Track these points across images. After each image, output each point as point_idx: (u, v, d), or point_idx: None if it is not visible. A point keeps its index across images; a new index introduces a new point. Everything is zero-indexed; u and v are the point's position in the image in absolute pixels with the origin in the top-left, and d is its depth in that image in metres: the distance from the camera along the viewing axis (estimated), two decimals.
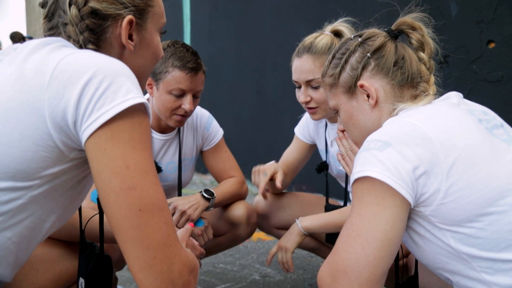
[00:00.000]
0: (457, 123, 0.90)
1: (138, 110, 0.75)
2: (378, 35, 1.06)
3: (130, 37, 0.88)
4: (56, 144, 0.75)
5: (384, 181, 0.83)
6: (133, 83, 0.76)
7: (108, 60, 0.77)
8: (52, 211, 0.81)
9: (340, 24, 1.64)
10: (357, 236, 0.84)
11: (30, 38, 6.30)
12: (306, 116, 1.85)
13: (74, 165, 0.79)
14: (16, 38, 5.89)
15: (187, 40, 5.01)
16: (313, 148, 1.89)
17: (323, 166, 1.79)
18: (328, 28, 1.65)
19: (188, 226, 1.10)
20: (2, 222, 0.76)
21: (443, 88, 1.08)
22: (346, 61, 1.05)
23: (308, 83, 1.59)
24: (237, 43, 4.37)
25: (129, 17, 0.86)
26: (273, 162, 1.76)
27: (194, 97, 1.63)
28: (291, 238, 1.56)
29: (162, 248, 0.74)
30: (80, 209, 1.04)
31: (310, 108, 1.62)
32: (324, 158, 1.81)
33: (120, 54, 0.89)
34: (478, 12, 2.47)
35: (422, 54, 1.04)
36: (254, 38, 4.14)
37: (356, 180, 0.88)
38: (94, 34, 0.84)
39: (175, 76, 1.56)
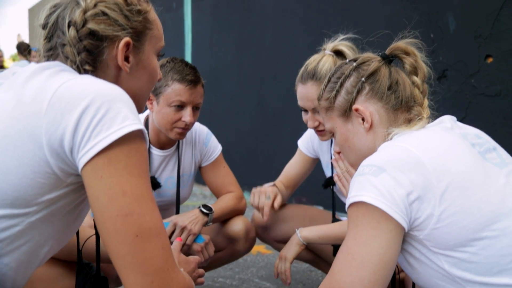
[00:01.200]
0: (450, 148, 0.91)
1: (135, 136, 0.75)
2: (372, 59, 1.08)
3: (126, 59, 0.89)
4: (53, 170, 0.76)
5: (378, 207, 0.85)
6: (130, 109, 0.77)
7: (105, 87, 0.78)
8: (50, 236, 0.82)
9: (341, 43, 1.64)
10: (352, 260, 0.86)
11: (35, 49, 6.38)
12: (311, 131, 1.86)
13: (71, 190, 0.80)
14: (22, 48, 5.96)
15: (188, 51, 5.05)
16: (315, 162, 1.89)
17: (330, 182, 1.79)
18: (330, 47, 1.63)
19: (176, 241, 1.10)
20: (0, 249, 0.76)
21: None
22: (341, 85, 1.07)
23: (315, 109, 1.60)
24: (237, 54, 4.40)
25: (126, 39, 0.86)
26: (272, 184, 1.75)
27: (195, 109, 1.65)
28: (290, 248, 1.57)
29: (159, 273, 0.75)
30: (77, 231, 1.04)
31: (319, 131, 1.63)
32: (327, 173, 1.81)
33: (117, 75, 0.89)
34: (476, 27, 2.49)
35: (415, 78, 1.06)
36: (254, 49, 4.17)
37: (351, 205, 0.89)
38: (91, 55, 0.85)
39: (174, 89, 1.59)
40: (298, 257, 1.84)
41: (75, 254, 1.09)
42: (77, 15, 0.84)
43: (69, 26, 0.84)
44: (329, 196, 1.87)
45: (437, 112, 1.09)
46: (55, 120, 0.74)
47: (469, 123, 1.15)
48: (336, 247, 1.70)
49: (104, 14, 0.85)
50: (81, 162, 0.74)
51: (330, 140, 1.78)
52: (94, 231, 1.13)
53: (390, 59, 1.09)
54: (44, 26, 0.89)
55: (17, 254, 0.78)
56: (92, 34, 0.84)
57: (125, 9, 0.87)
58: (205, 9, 4.78)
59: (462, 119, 2.55)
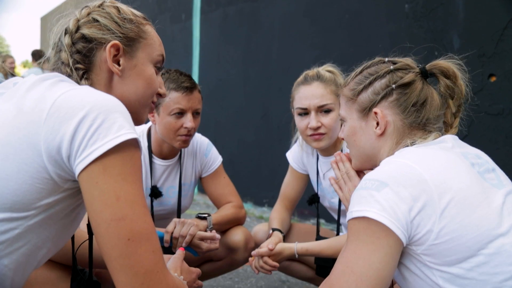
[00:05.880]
0: (450, 166, 0.92)
1: (129, 144, 0.79)
2: (411, 69, 1.05)
3: (118, 63, 0.94)
4: (51, 176, 0.79)
5: (380, 221, 0.86)
6: (125, 119, 0.81)
7: (102, 97, 0.82)
8: (47, 239, 0.85)
9: (329, 65, 1.73)
10: (351, 273, 0.87)
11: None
12: (299, 146, 1.87)
13: (68, 195, 0.83)
14: (37, 56, 6.12)
15: (196, 63, 5.11)
16: (308, 176, 1.92)
17: (315, 199, 1.83)
18: (320, 68, 1.72)
19: (179, 251, 1.12)
20: (0, 251, 0.79)
21: None
22: (370, 83, 1.05)
23: (320, 108, 1.63)
24: (244, 67, 4.45)
25: (114, 42, 0.92)
26: (271, 233, 1.71)
27: (195, 115, 1.69)
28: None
29: (149, 275, 0.78)
30: (72, 237, 1.07)
31: (317, 134, 1.64)
32: (316, 190, 1.84)
33: (110, 79, 0.94)
34: (480, 46, 2.52)
35: (449, 101, 1.04)
36: (261, 63, 4.21)
37: (353, 218, 0.90)
38: (82, 55, 0.92)
39: (172, 98, 1.63)
40: (297, 275, 1.87)
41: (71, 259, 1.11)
42: (72, 24, 0.94)
43: (65, 35, 0.93)
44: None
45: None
46: (54, 129, 0.78)
47: (471, 141, 1.15)
48: (319, 268, 1.72)
49: (96, 20, 0.94)
50: (77, 168, 0.78)
51: (316, 157, 1.81)
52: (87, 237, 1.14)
53: (427, 75, 1.06)
54: (51, 46, 0.98)
55: (16, 256, 0.81)
56: (84, 37, 0.93)
57: (116, 17, 0.95)
58: (214, 22, 4.85)
59: (464, 137, 2.56)
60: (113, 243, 0.77)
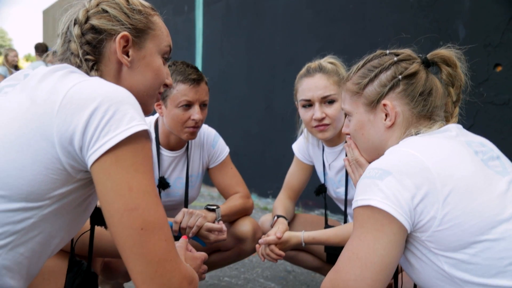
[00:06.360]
0: (453, 154, 0.93)
1: (140, 136, 0.80)
2: (413, 60, 1.07)
3: (127, 54, 0.95)
4: (64, 167, 0.81)
5: (384, 209, 0.88)
6: (136, 110, 0.82)
7: (113, 89, 0.83)
8: (60, 228, 0.87)
9: (330, 57, 1.74)
10: (356, 259, 0.90)
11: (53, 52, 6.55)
12: (304, 138, 1.89)
13: (80, 185, 0.85)
14: (40, 49, 6.14)
15: (199, 54, 5.10)
16: (313, 168, 1.93)
17: (322, 189, 1.85)
18: (322, 60, 1.73)
19: (182, 239, 1.14)
20: (16, 240, 0.81)
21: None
22: (376, 76, 1.06)
23: (324, 99, 1.64)
24: (247, 58, 4.44)
25: (124, 33, 0.93)
26: (275, 219, 1.73)
27: (202, 106, 1.70)
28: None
29: (162, 263, 0.80)
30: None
31: (322, 126, 1.65)
32: (322, 181, 1.85)
33: (119, 69, 0.95)
34: (486, 35, 2.51)
35: (450, 89, 1.07)
36: (264, 54, 4.21)
37: (358, 206, 0.93)
38: (92, 47, 0.93)
39: (179, 90, 1.64)
40: (304, 265, 1.89)
41: (85, 248, 1.13)
42: (81, 14, 0.94)
43: (74, 25, 0.94)
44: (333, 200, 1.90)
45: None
46: (66, 120, 0.79)
47: (477, 131, 1.16)
48: (329, 255, 1.74)
49: (105, 11, 0.95)
50: (90, 160, 0.79)
51: (322, 148, 1.82)
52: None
53: (429, 64, 1.08)
54: (59, 35, 0.98)
55: (31, 244, 0.83)
56: (93, 28, 0.93)
57: (125, 8, 0.96)
58: (216, 13, 4.84)
59: (470, 127, 2.56)
60: (126, 232, 0.78)
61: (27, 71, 0.95)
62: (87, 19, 0.93)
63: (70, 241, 1.09)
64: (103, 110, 0.78)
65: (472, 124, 2.56)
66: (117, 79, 0.95)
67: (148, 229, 0.78)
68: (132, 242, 0.78)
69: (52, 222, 0.84)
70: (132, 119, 0.80)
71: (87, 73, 0.91)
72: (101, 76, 0.93)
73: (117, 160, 0.78)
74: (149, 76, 0.98)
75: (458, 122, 1.10)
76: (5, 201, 0.79)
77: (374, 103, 1.06)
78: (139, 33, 0.96)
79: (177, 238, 1.59)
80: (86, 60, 0.92)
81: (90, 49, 0.92)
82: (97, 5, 0.95)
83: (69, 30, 0.95)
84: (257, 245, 1.61)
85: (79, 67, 0.92)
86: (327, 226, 1.82)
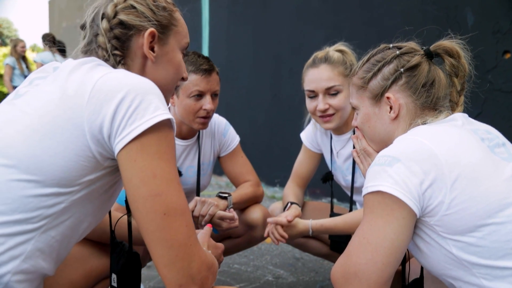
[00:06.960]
0: (460, 141, 0.96)
1: (164, 125, 0.84)
2: (416, 52, 1.10)
3: (152, 49, 0.98)
4: (94, 154, 0.85)
5: (393, 194, 0.91)
6: (160, 100, 0.86)
7: (138, 80, 0.87)
8: (88, 213, 0.91)
9: (340, 44, 1.74)
10: (367, 244, 0.93)
11: (60, 42, 6.58)
12: (313, 126, 1.91)
13: (107, 172, 0.89)
14: (47, 39, 6.19)
15: (205, 43, 5.11)
16: (321, 156, 1.96)
17: (329, 176, 1.88)
18: (332, 48, 1.74)
19: (207, 227, 1.18)
20: (48, 223, 0.85)
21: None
22: (379, 69, 1.10)
23: (328, 90, 1.65)
24: (254, 47, 4.44)
25: (151, 29, 0.97)
26: (288, 206, 1.75)
27: (213, 96, 1.73)
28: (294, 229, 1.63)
29: (183, 247, 0.83)
30: (109, 212, 1.14)
31: (327, 116, 1.67)
32: (330, 168, 1.88)
33: (143, 64, 0.99)
34: (495, 22, 2.49)
35: (454, 79, 1.09)
36: (271, 43, 4.21)
37: (368, 192, 0.95)
38: (119, 42, 0.96)
39: (191, 80, 1.67)
40: (313, 252, 1.92)
41: (105, 237, 1.19)
42: (109, 9, 0.96)
43: (102, 19, 0.96)
44: (341, 188, 1.93)
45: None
46: (95, 111, 0.83)
47: (485, 118, 1.18)
48: (333, 243, 1.78)
49: (133, 7, 0.97)
50: (117, 147, 0.83)
51: (330, 137, 1.84)
52: (120, 215, 1.21)
53: (432, 56, 1.10)
54: (83, 27, 1.01)
55: (62, 228, 0.88)
56: (122, 23, 0.96)
57: (151, 4, 0.99)
58: (223, 2, 4.83)
59: (478, 114, 2.56)
60: (150, 217, 0.82)
61: (56, 64, 1.00)
62: (116, 14, 0.96)
63: (109, 224, 1.15)
64: (130, 100, 0.82)
65: (480, 111, 2.56)
66: (141, 73, 0.99)
67: (171, 215, 0.82)
68: (155, 227, 0.82)
69: (81, 207, 0.88)
70: (157, 108, 0.83)
71: (114, 67, 0.95)
72: (127, 69, 0.96)
73: (142, 147, 0.82)
74: (171, 71, 1.02)
75: (466, 110, 1.12)
76: (39, 186, 0.83)
77: (378, 96, 1.09)
78: (164, 29, 0.99)
79: None
80: (113, 55, 0.95)
81: (118, 43, 0.96)
82: (125, 0, 0.98)
83: (96, 24, 0.97)
84: (268, 220, 1.64)
85: (106, 60, 0.95)
86: (332, 213, 1.84)
